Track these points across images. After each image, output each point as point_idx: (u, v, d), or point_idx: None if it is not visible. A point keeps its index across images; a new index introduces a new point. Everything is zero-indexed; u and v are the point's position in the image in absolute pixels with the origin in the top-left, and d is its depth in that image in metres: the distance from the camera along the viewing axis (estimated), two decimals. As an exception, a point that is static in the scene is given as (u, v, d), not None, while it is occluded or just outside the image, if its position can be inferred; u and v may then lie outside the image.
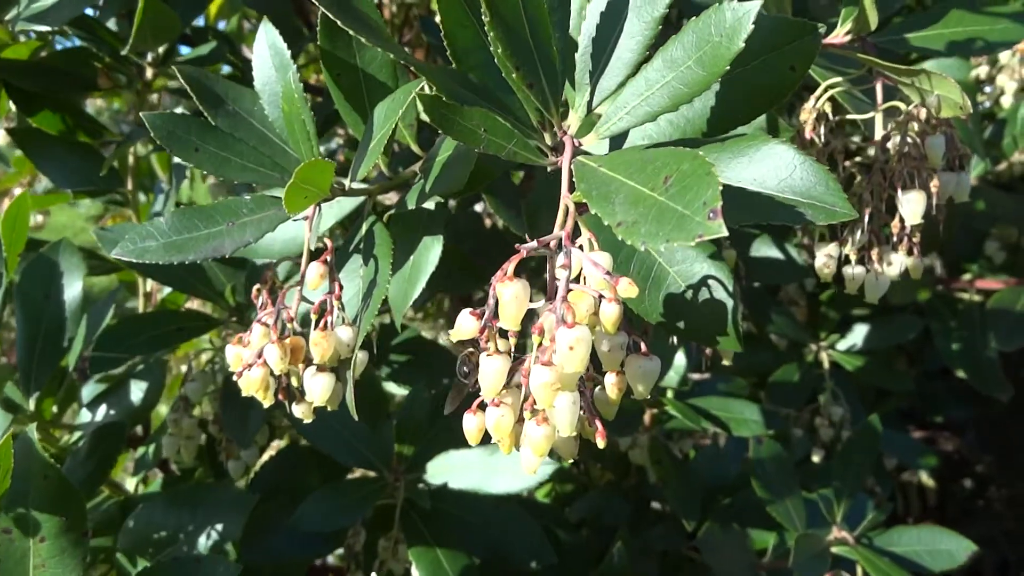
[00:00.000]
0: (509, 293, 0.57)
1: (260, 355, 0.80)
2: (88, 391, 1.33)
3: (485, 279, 1.53)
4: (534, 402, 0.57)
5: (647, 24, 0.62)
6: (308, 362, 0.82)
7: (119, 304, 1.50)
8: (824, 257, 0.95)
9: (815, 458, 1.85)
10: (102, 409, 1.25)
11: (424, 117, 1.06)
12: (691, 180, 0.50)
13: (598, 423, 0.61)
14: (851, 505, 1.46)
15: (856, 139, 0.98)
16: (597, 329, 0.59)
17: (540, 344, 0.58)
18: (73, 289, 1.24)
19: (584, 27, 0.66)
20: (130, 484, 1.44)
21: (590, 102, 0.66)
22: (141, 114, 0.80)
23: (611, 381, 0.63)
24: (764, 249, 1.23)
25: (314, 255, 0.83)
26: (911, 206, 0.86)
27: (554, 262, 0.61)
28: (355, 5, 0.58)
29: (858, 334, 1.86)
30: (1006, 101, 2.16)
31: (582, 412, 0.61)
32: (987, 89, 2.22)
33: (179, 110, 1.56)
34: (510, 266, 0.59)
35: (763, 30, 0.71)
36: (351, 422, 1.20)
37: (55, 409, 1.28)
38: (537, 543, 1.27)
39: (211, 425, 1.28)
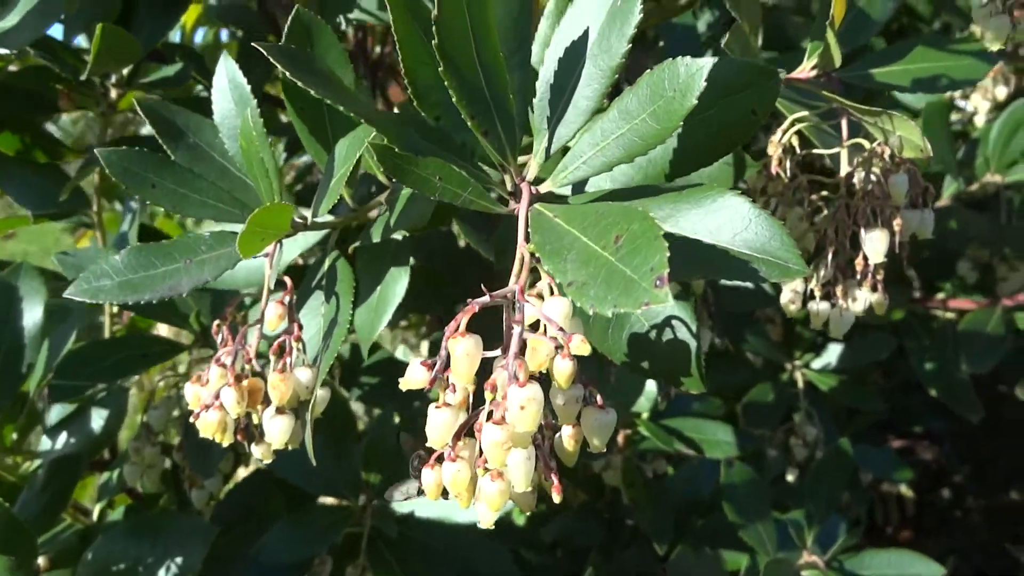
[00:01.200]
0: (460, 350, 0.56)
1: (217, 397, 0.79)
2: (56, 413, 1.30)
3: (456, 299, 1.53)
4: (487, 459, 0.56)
5: (604, 72, 0.62)
6: (267, 402, 0.81)
7: (89, 321, 1.47)
8: (790, 293, 0.95)
9: (789, 477, 1.85)
10: (63, 437, 1.23)
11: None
12: (640, 242, 0.49)
13: (554, 478, 0.60)
14: (822, 529, 1.46)
15: (823, 176, 0.98)
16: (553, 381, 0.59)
17: (493, 399, 0.57)
18: (33, 314, 1.21)
19: (542, 72, 0.65)
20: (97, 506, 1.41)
21: (548, 148, 0.66)
22: (96, 150, 0.79)
23: (567, 433, 0.62)
24: (734, 277, 1.22)
25: (280, 284, 0.82)
26: (874, 244, 0.86)
27: (511, 312, 0.61)
28: (315, 61, 0.57)
29: (832, 353, 1.87)
30: (979, 120, 2.18)
31: (539, 465, 0.60)
32: (962, 103, 2.24)
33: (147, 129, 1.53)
34: (462, 321, 0.58)
35: (723, 73, 0.71)
36: (317, 452, 1.19)
37: (15, 436, 1.26)
38: (505, 568, 1.26)
39: (175, 452, 1.26)
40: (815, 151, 0.94)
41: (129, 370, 1.21)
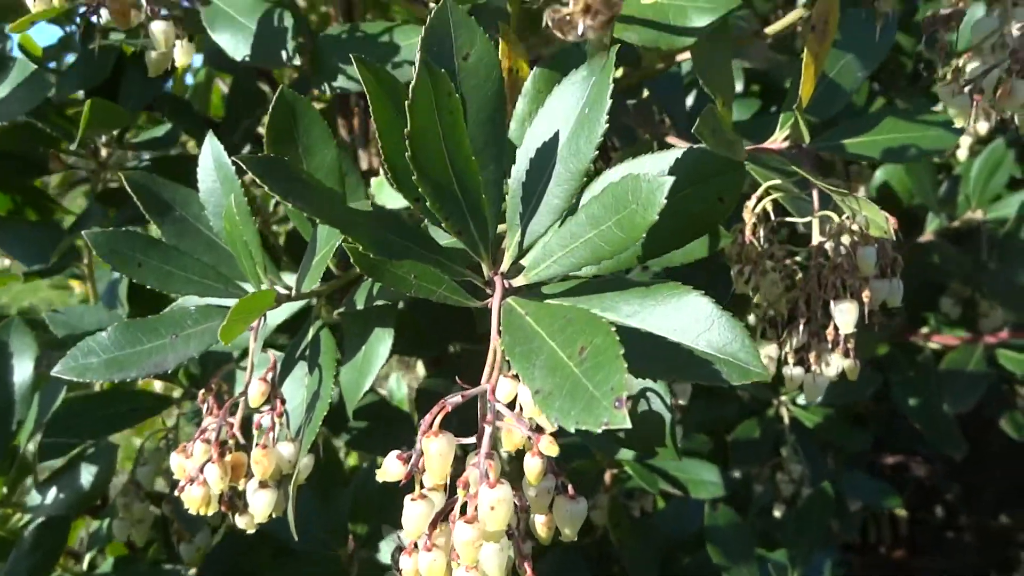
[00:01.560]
0: (434, 449, 0.58)
1: (201, 471, 0.80)
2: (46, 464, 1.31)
3: (439, 347, 1.54)
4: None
5: (573, 175, 0.64)
6: (251, 475, 0.83)
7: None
8: (765, 358, 0.97)
9: (776, 513, 1.87)
10: (52, 491, 1.24)
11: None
12: (602, 359, 0.51)
13: (527, 567, 0.62)
14: (806, 571, 1.48)
15: (796, 245, 1.01)
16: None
17: (466, 493, 0.59)
18: (24, 369, 1.23)
19: (515, 171, 0.68)
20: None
21: (521, 242, 0.68)
22: (84, 233, 0.81)
23: (540, 521, 0.64)
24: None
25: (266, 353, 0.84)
26: (844, 316, 0.88)
27: (484, 408, 0.63)
28: (290, 170, 0.59)
29: (817, 390, 1.89)
30: (961, 154, 2.22)
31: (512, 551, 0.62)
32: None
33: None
34: (435, 419, 0.60)
35: (689, 163, 0.74)
36: (303, 501, 1.20)
37: (5, 489, 1.27)
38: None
39: (164, 504, 1.27)
40: (788, 219, 0.97)
41: (118, 425, 1.23)
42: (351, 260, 0.61)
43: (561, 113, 0.66)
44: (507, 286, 0.67)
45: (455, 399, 0.60)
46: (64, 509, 1.23)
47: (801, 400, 1.91)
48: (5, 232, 1.31)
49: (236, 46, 1.06)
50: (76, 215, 1.34)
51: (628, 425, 0.48)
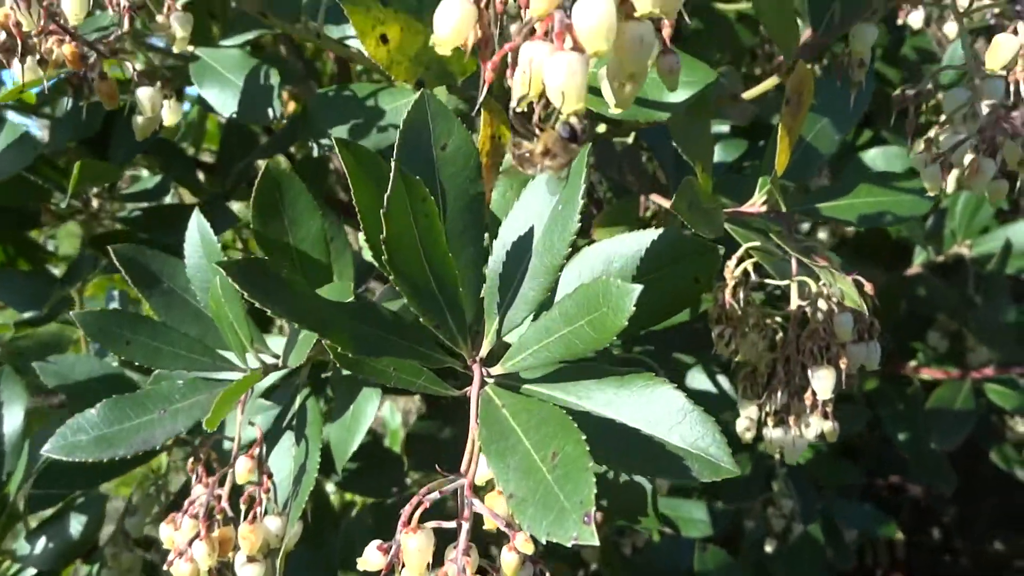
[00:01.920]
0: (412, 546, 0.60)
1: (190, 546, 0.81)
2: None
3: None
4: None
5: (548, 269, 0.66)
6: (239, 548, 0.84)
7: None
8: (746, 420, 0.98)
9: (768, 548, 1.88)
10: (42, 541, 1.25)
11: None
12: (572, 469, 0.52)
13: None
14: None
15: (777, 305, 1.02)
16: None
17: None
18: (14, 419, 1.24)
19: (492, 262, 0.69)
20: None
21: (499, 330, 0.69)
22: (72, 313, 0.82)
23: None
24: (699, 380, 1.26)
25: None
26: (821, 382, 0.90)
27: (460, 503, 0.64)
28: (272, 277, 0.61)
29: (807, 425, 1.90)
30: (949, 187, 2.23)
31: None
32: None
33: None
34: (414, 514, 0.61)
35: (662, 245, 0.75)
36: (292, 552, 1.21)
37: (-5, 539, 1.28)
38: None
39: (152, 551, 1.28)
40: (768, 280, 0.98)
41: (107, 475, 1.23)
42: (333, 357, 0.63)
43: (535, 208, 0.67)
44: (486, 374, 0.68)
45: (432, 495, 0.61)
46: (53, 560, 1.24)
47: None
48: (-3, 280, 1.32)
49: (224, 102, 1.07)
50: (68, 262, 1.35)
51: (596, 542, 0.49)
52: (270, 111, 1.02)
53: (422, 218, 0.61)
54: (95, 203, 1.30)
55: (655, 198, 1.11)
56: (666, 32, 0.53)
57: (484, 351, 0.70)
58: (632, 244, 0.77)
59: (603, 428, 0.65)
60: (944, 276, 2.05)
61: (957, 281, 2.01)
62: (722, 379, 1.26)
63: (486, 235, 0.74)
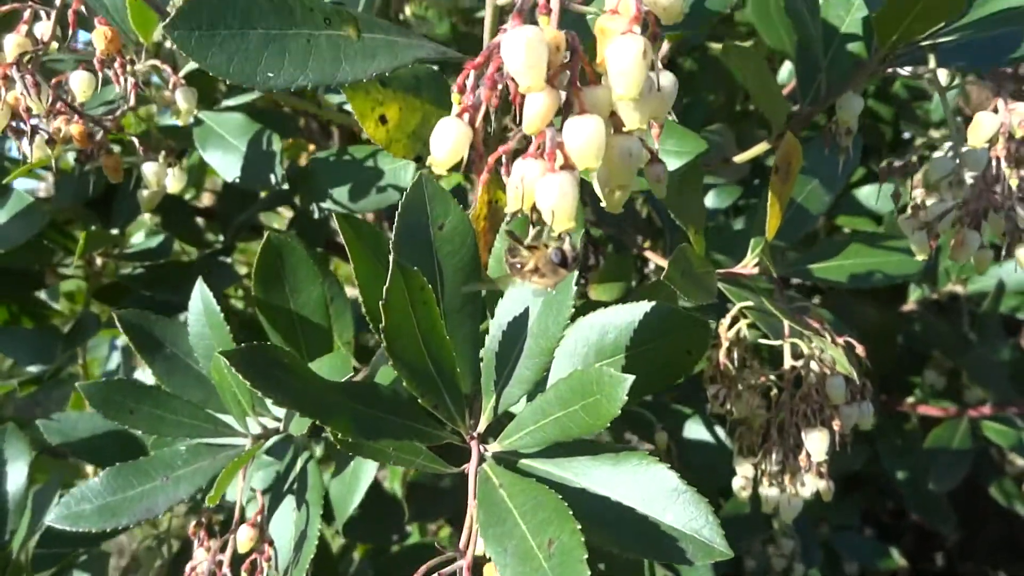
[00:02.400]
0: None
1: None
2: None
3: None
4: None
5: (543, 350, 0.67)
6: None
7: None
8: (742, 479, 0.99)
9: (769, 588, 1.88)
10: (45, 601, 1.25)
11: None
12: (568, 559, 0.54)
13: None
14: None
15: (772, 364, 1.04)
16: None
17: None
18: (17, 477, 1.24)
19: (489, 341, 0.71)
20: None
21: (496, 407, 0.71)
22: (77, 385, 0.84)
23: None
24: (696, 431, 1.27)
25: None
26: (815, 444, 0.91)
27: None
28: (275, 364, 0.62)
29: (806, 465, 1.91)
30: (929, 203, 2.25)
31: None
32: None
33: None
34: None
35: (653, 319, 0.77)
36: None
37: (-3, 597, 1.28)
38: None
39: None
40: (762, 340, 1.00)
41: (111, 534, 1.24)
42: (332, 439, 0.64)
43: (531, 290, 0.69)
44: (483, 451, 0.70)
45: (431, 578, 0.63)
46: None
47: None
48: (4, 336, 1.33)
49: (227, 167, 1.10)
50: (72, 318, 1.36)
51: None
52: (272, 177, 1.04)
53: (420, 306, 0.62)
54: (99, 261, 1.32)
55: (650, 255, 1.12)
56: (655, 133, 0.55)
57: (482, 427, 0.72)
58: (625, 316, 0.78)
59: (598, 506, 0.66)
60: (939, 313, 2.07)
61: (952, 318, 2.03)
62: (719, 429, 1.26)
63: (482, 308, 0.76)
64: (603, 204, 0.52)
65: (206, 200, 2.01)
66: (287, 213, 1.83)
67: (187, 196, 1.91)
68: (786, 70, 1.76)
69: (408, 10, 1.70)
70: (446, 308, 0.73)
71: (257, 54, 0.56)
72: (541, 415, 0.65)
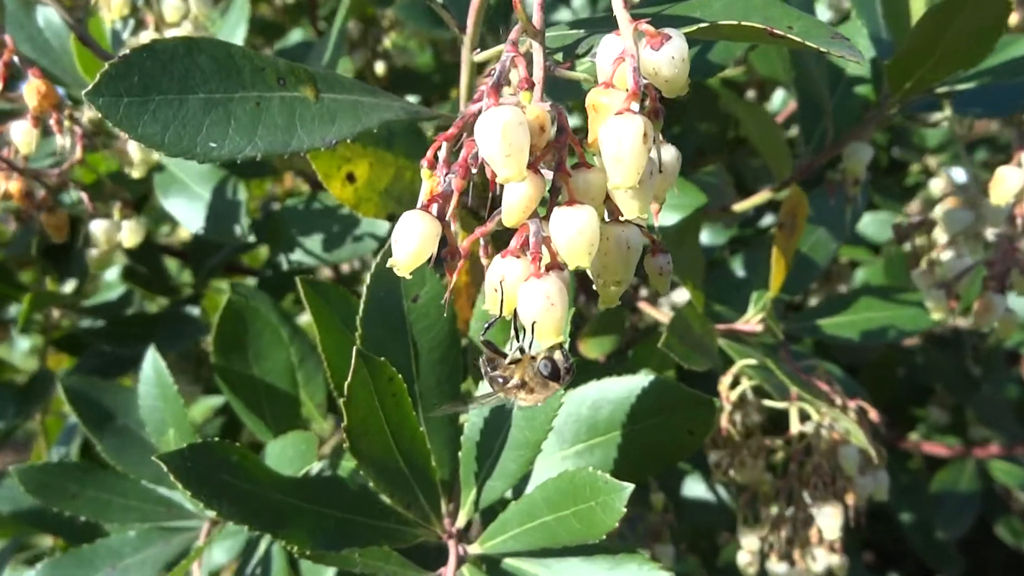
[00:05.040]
0: None
1: None
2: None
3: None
4: None
5: (528, 443, 0.61)
6: None
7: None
8: (747, 555, 0.92)
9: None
10: None
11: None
12: None
13: None
14: None
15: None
16: None
17: None
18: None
19: (468, 429, 0.63)
20: None
21: (477, 501, 0.63)
22: (12, 468, 0.75)
23: None
24: (695, 489, 1.19)
25: None
26: (828, 521, 0.84)
27: None
28: (220, 453, 0.54)
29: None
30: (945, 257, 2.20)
31: None
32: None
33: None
34: None
35: (655, 394, 0.70)
36: None
37: None
38: None
39: None
40: (766, 402, 0.93)
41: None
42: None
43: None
44: (462, 552, 0.62)
45: None
46: None
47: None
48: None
49: (190, 217, 1.02)
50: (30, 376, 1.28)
51: None
52: (237, 228, 0.96)
53: (389, 399, 0.55)
54: (56, 314, 1.23)
55: (645, 308, 1.05)
56: (654, 209, 0.48)
57: (461, 523, 0.64)
58: (621, 389, 0.71)
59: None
60: (942, 346, 2.01)
61: (954, 351, 1.97)
62: (720, 488, 1.19)
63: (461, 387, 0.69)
64: (599, 302, 0.44)
65: (184, 235, 1.92)
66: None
67: (163, 232, 1.83)
68: (778, 99, 1.70)
69: (387, 41, 1.63)
70: (421, 389, 0.66)
71: (197, 122, 0.48)
72: (528, 517, 0.58)
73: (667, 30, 0.38)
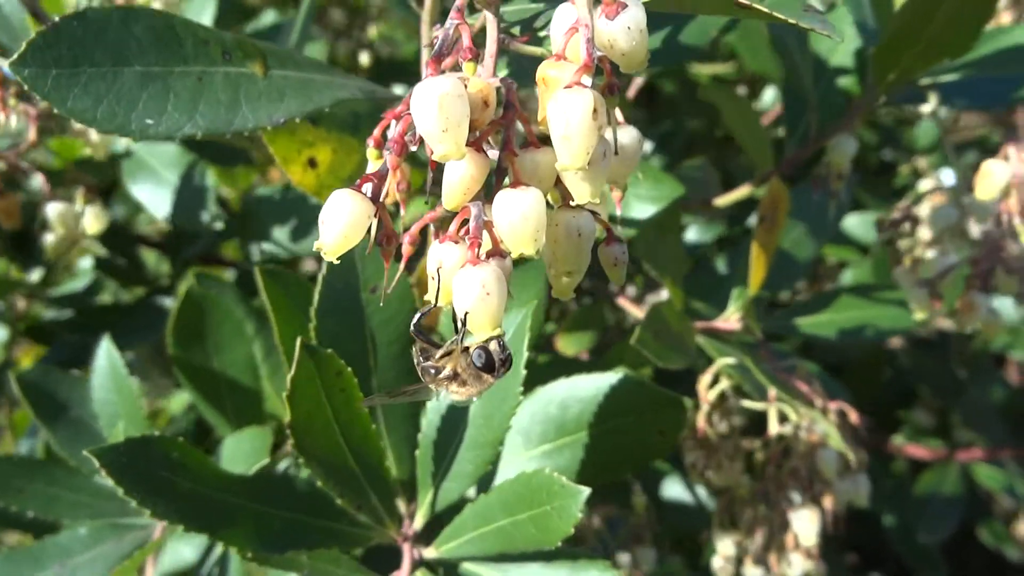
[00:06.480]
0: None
1: None
2: None
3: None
4: None
5: (486, 442, 0.58)
6: None
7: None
8: (721, 560, 0.89)
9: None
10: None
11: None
12: None
13: None
14: None
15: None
16: None
17: None
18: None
19: (424, 427, 0.60)
20: None
21: (434, 502, 0.60)
22: (-47, 462, 0.72)
23: None
24: (674, 491, 1.17)
25: None
26: (804, 526, 0.81)
27: None
28: (160, 448, 0.52)
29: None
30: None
31: None
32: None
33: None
34: None
35: (625, 393, 0.67)
36: None
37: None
38: None
39: None
40: (744, 402, 0.90)
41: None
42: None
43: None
44: (417, 556, 0.59)
45: None
46: None
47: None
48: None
49: (156, 203, 0.99)
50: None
51: None
52: (204, 215, 0.93)
53: (337, 394, 0.52)
54: (21, 303, 1.20)
55: (625, 305, 1.03)
56: (616, 197, 0.45)
57: (418, 525, 0.61)
58: (590, 388, 0.68)
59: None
60: (927, 348, 1.99)
61: (940, 353, 1.95)
62: (701, 490, 1.16)
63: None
64: (553, 292, 0.42)
65: (163, 225, 1.88)
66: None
67: (143, 221, 1.79)
68: (769, 95, 1.68)
69: (374, 30, 1.60)
70: (380, 383, 0.63)
71: (133, 96, 0.45)
72: (484, 521, 0.55)
73: (624, -1, 0.35)
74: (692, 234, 1.42)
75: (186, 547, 0.82)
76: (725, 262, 1.18)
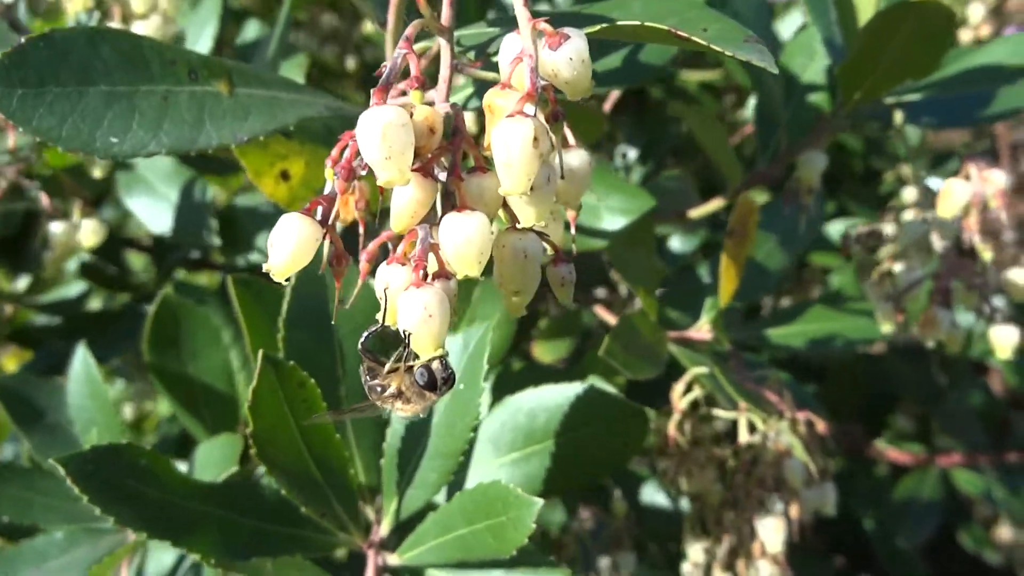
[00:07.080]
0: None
1: None
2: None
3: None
4: None
5: (449, 452, 0.59)
6: None
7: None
8: (690, 567, 0.90)
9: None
10: None
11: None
12: None
13: None
14: None
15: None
16: None
17: None
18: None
19: (389, 436, 0.62)
20: None
21: (398, 510, 0.62)
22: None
23: None
24: (653, 496, 1.18)
25: None
26: (770, 534, 0.82)
27: None
28: (128, 455, 0.53)
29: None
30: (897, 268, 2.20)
31: None
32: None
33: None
34: None
35: (590, 403, 0.68)
36: None
37: None
38: None
39: None
40: (714, 411, 0.91)
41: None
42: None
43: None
44: (381, 563, 0.60)
45: None
46: None
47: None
48: None
49: (155, 218, 0.99)
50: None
51: None
52: (204, 232, 0.94)
53: (299, 404, 0.53)
54: (8, 308, 1.20)
55: (601, 313, 1.04)
56: (571, 216, 0.46)
57: (384, 531, 0.62)
58: (557, 397, 0.69)
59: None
60: (907, 355, 2.01)
61: (920, 362, 1.97)
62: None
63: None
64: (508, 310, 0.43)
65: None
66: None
67: (133, 224, 1.80)
68: (752, 107, 1.69)
69: (368, 26, 1.60)
70: (347, 392, 0.64)
71: (97, 115, 0.46)
72: (444, 529, 0.56)
73: (567, 30, 0.36)
74: (676, 243, 1.43)
75: (166, 553, 0.83)
76: (708, 270, 1.19)
